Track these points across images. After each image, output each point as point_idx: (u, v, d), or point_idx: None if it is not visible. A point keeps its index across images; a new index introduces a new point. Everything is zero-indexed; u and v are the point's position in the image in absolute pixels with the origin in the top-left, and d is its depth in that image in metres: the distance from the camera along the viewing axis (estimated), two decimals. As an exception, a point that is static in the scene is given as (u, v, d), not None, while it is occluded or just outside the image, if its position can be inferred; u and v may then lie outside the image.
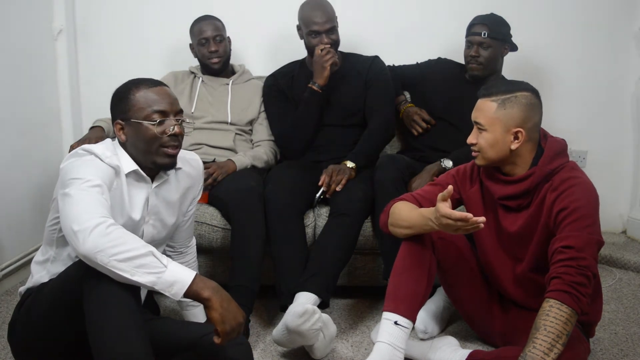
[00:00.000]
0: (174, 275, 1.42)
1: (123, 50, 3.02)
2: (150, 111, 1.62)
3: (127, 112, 1.63)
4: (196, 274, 1.45)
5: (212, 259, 2.40)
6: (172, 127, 1.63)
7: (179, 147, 1.67)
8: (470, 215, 1.59)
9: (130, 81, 1.68)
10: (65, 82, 2.95)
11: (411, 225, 1.80)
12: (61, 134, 2.97)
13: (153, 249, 1.43)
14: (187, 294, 1.43)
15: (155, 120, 1.62)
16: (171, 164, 1.68)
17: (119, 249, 1.38)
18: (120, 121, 1.65)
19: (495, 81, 1.82)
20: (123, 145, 1.67)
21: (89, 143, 2.34)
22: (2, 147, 2.50)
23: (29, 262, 2.61)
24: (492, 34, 2.48)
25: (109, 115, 2.54)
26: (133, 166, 1.65)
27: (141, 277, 1.39)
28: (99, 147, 1.60)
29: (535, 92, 1.77)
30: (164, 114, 1.63)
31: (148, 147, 1.63)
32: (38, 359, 1.63)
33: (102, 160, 1.57)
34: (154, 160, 1.65)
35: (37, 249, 2.63)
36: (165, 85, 1.69)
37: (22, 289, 1.71)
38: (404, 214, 1.83)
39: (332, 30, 2.48)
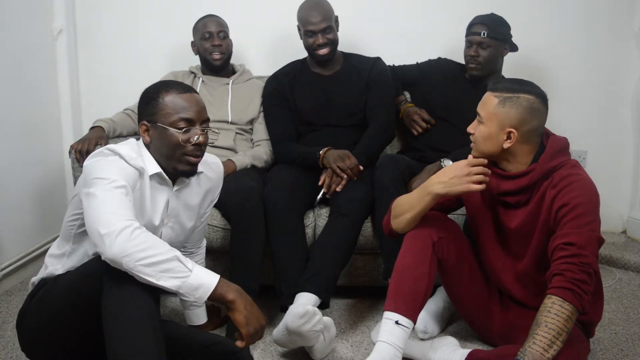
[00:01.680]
0: (198, 279, 1.43)
1: (123, 50, 3.02)
2: (177, 118, 1.62)
3: (154, 115, 1.63)
4: (220, 277, 1.46)
5: (212, 259, 2.39)
6: (196, 137, 1.63)
7: (201, 156, 1.68)
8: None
9: (162, 83, 1.69)
10: (65, 82, 2.95)
11: (412, 206, 1.82)
12: (61, 134, 2.98)
13: (178, 253, 1.44)
14: (211, 297, 1.44)
15: (181, 128, 1.62)
16: (191, 172, 1.68)
17: (145, 254, 1.39)
18: (146, 122, 1.65)
19: (508, 78, 1.79)
20: (147, 146, 1.67)
21: (89, 143, 2.34)
22: (2, 147, 2.50)
23: (29, 261, 2.62)
24: (491, 34, 2.48)
25: (109, 115, 2.58)
26: (157, 169, 1.65)
27: (166, 281, 1.40)
28: (124, 148, 1.60)
29: (541, 97, 1.75)
30: (190, 122, 1.63)
31: (171, 153, 1.63)
32: (44, 351, 1.62)
33: (127, 161, 1.57)
34: (175, 166, 1.65)
35: (37, 249, 2.66)
36: (195, 92, 1.68)
37: (34, 279, 1.70)
38: (403, 198, 1.87)
39: (328, 29, 2.49)
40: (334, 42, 2.53)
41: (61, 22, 2.90)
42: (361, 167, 2.35)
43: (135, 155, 1.60)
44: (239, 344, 1.46)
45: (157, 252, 1.40)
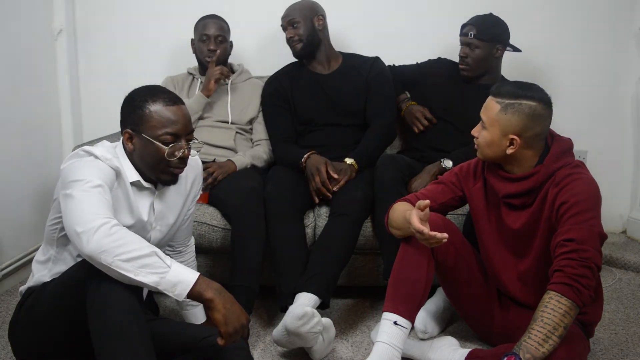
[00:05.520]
0: (177, 276, 1.42)
1: (123, 50, 3.02)
2: (163, 132, 1.60)
3: (139, 125, 1.61)
4: (199, 274, 1.45)
5: (212, 259, 2.40)
6: (181, 151, 1.63)
7: (184, 168, 1.68)
8: (427, 232, 1.65)
9: (147, 91, 1.64)
10: (66, 82, 2.95)
11: (400, 227, 1.82)
12: (61, 134, 2.98)
13: (157, 249, 1.44)
14: (190, 295, 1.43)
15: (167, 143, 1.60)
16: (172, 182, 1.68)
17: (123, 249, 1.39)
18: (130, 131, 1.63)
19: (511, 81, 1.75)
20: (129, 154, 1.66)
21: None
22: (2, 148, 2.50)
23: (29, 261, 2.61)
24: (479, 35, 2.47)
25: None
26: (136, 176, 1.65)
27: (145, 277, 1.40)
28: (99, 149, 1.60)
29: (543, 102, 1.74)
30: (176, 136, 1.62)
31: (154, 164, 1.63)
32: (39, 358, 1.63)
33: (102, 161, 1.57)
34: (158, 176, 1.65)
35: (37, 249, 2.64)
36: (182, 103, 1.66)
37: (22, 288, 1.71)
38: (396, 214, 1.86)
39: (292, 22, 2.53)
40: (301, 37, 2.53)
41: (61, 22, 2.90)
42: (335, 175, 2.32)
43: (110, 157, 1.59)
44: (219, 341, 1.46)
45: (135, 247, 1.40)
